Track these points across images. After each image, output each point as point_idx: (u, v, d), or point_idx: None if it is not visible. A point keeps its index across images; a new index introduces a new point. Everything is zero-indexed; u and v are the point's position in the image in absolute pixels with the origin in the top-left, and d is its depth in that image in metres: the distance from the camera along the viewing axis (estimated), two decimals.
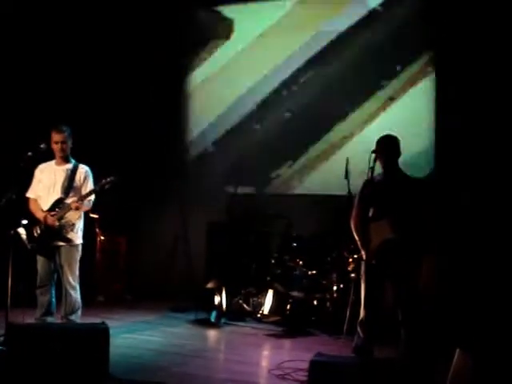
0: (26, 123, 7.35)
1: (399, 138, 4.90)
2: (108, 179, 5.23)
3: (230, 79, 8.19)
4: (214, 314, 6.43)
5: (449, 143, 6.93)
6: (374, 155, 4.60)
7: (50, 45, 7.90)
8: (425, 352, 4.74)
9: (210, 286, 6.61)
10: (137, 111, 8.61)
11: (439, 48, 7.10)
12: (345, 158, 6.14)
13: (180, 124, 8.66)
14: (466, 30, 6.78)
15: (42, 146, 5.17)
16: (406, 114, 7.24)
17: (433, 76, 7.17)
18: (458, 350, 3.68)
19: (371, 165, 4.54)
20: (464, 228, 6.49)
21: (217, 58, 8.34)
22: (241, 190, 6.95)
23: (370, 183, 4.65)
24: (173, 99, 8.62)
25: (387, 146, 4.73)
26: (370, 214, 4.69)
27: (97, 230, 7.75)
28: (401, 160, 4.90)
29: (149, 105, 8.62)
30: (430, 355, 4.71)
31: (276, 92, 7.97)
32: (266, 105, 8.03)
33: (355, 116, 7.53)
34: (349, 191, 5.97)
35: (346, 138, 7.57)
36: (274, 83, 7.96)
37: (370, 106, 7.44)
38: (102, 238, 7.78)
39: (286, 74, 7.91)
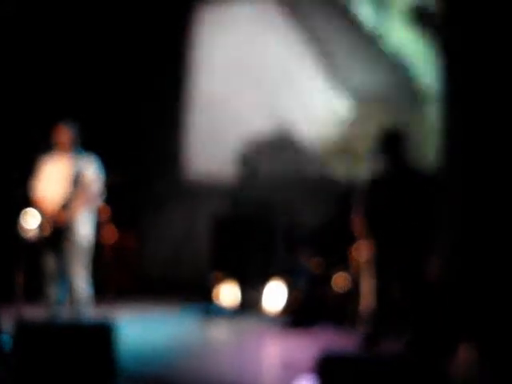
0: (32, 119, 7.38)
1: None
2: (116, 173, 5.26)
3: None
4: (221, 308, 6.48)
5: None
6: (377, 150, 4.64)
7: (54, 38, 7.94)
8: (432, 343, 4.76)
9: (218, 280, 6.65)
10: (144, 105, 8.65)
11: None
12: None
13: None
14: None
15: (49, 142, 5.20)
16: None
17: None
18: (463, 342, 3.71)
19: (375, 159, 4.59)
20: (469, 220, 6.49)
21: None
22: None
23: (374, 178, 4.68)
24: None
25: (389, 142, 4.74)
26: (375, 208, 4.71)
27: (105, 224, 7.76)
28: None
29: (157, 100, 8.66)
30: (437, 346, 4.74)
31: None
32: None
33: None
34: (354, 183, 5.99)
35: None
36: None
37: None
38: (111, 232, 7.79)
39: None
